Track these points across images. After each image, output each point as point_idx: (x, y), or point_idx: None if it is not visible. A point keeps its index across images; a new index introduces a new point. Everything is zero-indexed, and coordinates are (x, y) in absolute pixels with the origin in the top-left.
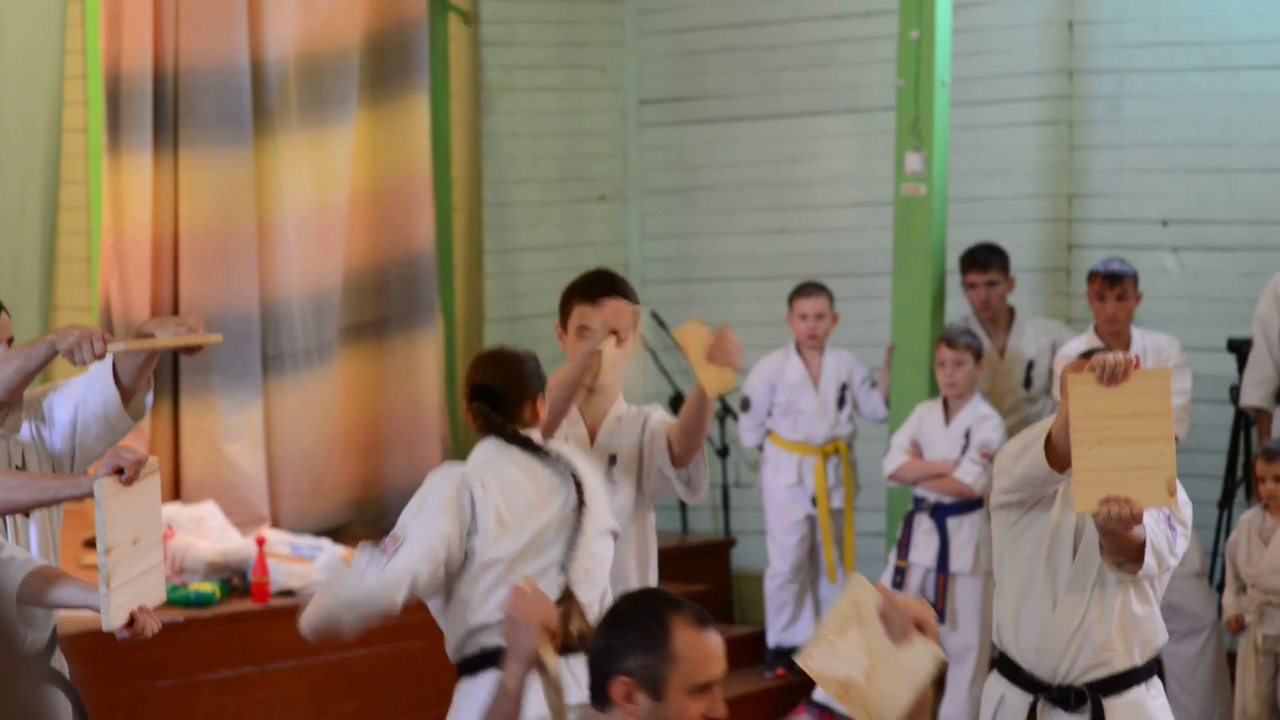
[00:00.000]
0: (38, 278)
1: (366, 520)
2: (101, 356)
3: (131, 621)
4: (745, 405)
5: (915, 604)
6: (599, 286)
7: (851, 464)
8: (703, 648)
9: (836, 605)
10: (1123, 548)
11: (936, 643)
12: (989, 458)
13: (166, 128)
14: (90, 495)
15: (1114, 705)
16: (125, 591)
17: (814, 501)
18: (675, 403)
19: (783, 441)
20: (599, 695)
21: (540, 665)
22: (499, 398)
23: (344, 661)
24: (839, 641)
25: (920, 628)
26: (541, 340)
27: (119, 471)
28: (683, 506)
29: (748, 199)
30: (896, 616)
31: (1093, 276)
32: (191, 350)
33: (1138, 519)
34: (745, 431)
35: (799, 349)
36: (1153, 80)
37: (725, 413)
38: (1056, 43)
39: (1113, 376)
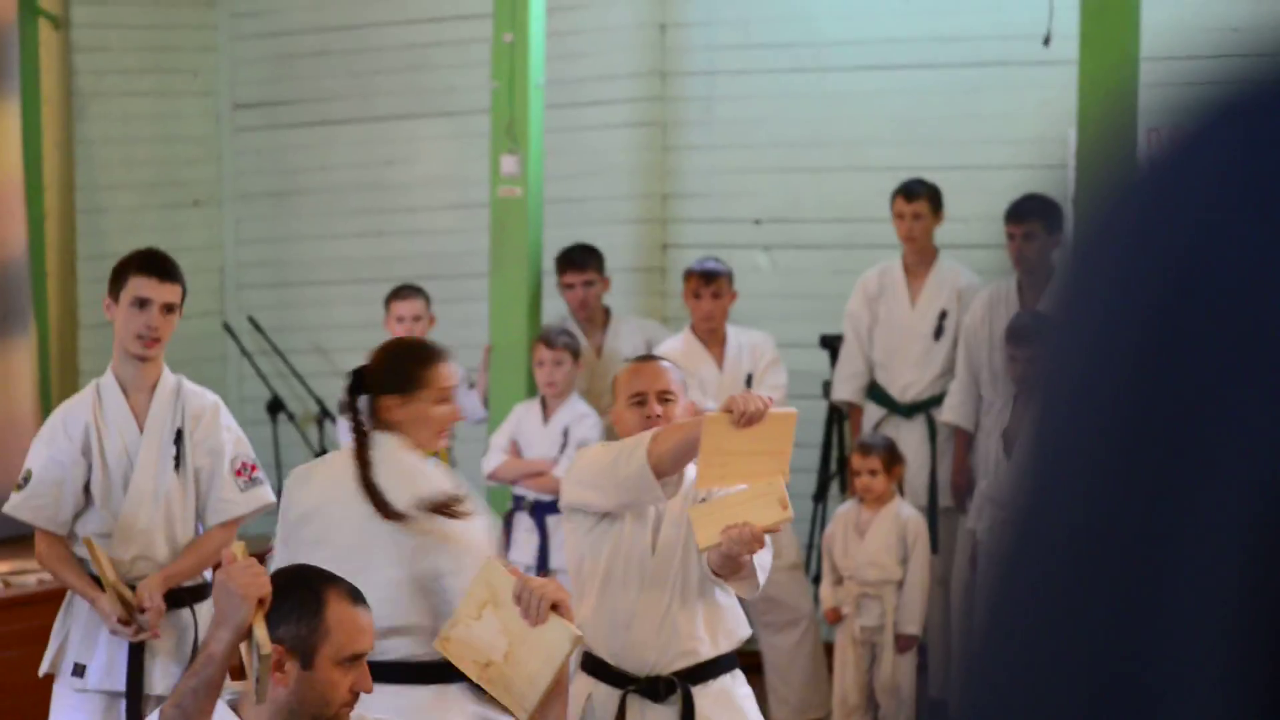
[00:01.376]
0: None
1: None
2: None
3: None
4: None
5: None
6: (157, 262)
7: (451, 464)
8: (355, 621)
9: (471, 589)
10: (736, 569)
11: (571, 622)
12: None
13: None
14: None
15: (701, 694)
16: None
17: None
18: (272, 407)
19: None
20: None
21: (248, 635)
22: None
23: None
24: (475, 624)
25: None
26: None
27: None
28: None
29: (344, 202)
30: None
31: (688, 275)
32: None
33: (760, 541)
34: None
35: None
36: (744, 82)
37: (324, 416)
38: (649, 46)
39: (749, 419)
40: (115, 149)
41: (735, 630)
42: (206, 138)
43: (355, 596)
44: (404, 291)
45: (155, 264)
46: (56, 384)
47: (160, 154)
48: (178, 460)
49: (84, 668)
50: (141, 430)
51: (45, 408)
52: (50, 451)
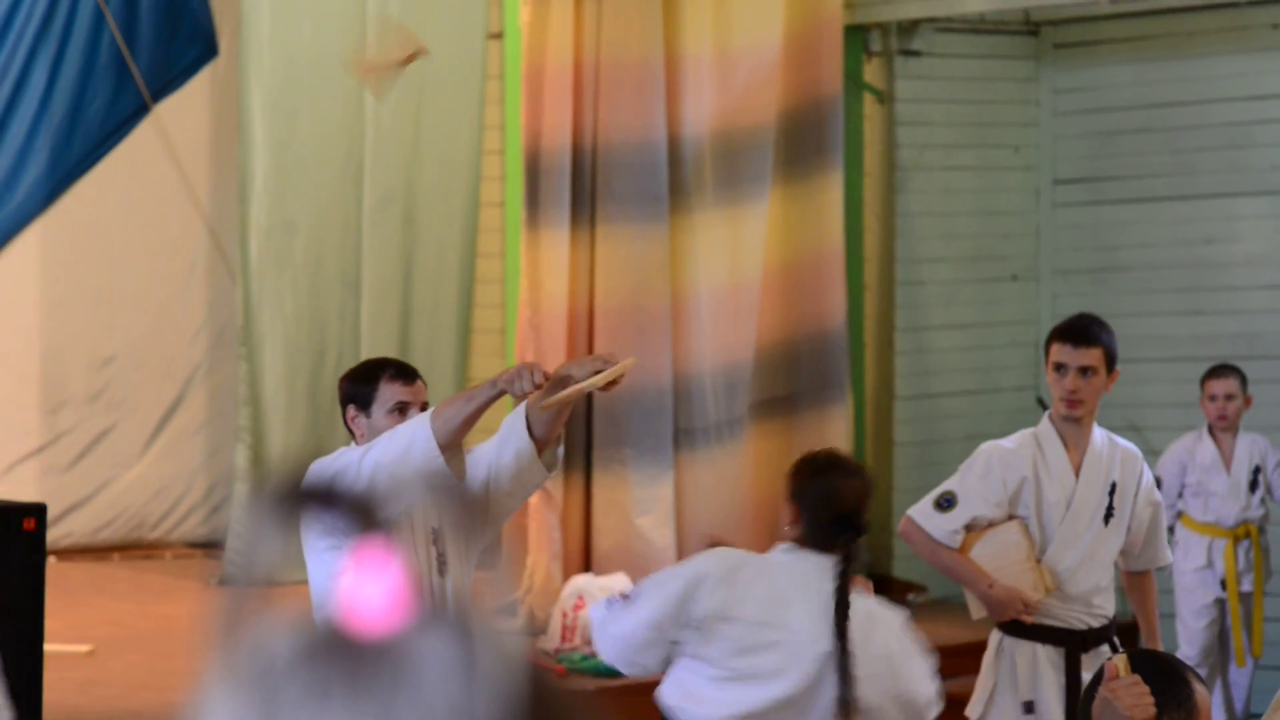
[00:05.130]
0: (453, 349)
1: None
2: (541, 385)
3: None
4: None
5: None
6: (1080, 328)
7: (1263, 548)
8: (1208, 699)
9: None
10: None
11: None
12: None
13: (584, 203)
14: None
15: None
16: None
17: (1223, 585)
18: None
19: (1193, 524)
20: None
21: None
22: None
23: None
24: None
25: None
26: (951, 419)
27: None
28: None
29: (1161, 280)
30: None
31: None
32: (610, 386)
33: None
34: None
35: (1211, 431)
36: None
37: None
38: None
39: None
40: (935, 222)
41: None
42: (1026, 212)
43: (1199, 676)
44: (1219, 370)
45: (1073, 332)
46: (870, 453)
47: (979, 228)
48: (1109, 512)
49: (1032, 703)
50: (1077, 480)
51: None
52: (980, 487)
